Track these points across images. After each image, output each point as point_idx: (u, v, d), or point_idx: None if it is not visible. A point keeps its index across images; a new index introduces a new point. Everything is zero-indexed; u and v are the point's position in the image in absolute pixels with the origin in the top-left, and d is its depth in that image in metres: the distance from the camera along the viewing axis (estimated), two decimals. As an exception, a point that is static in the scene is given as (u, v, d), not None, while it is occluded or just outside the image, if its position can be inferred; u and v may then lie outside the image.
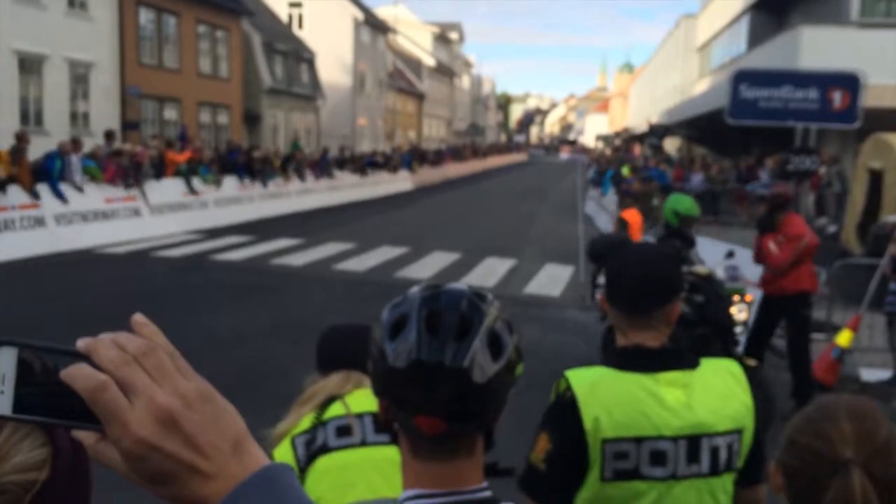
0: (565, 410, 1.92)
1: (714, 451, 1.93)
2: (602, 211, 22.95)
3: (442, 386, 1.11)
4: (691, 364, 1.99)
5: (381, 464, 2.25)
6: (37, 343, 0.69)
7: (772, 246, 6.77)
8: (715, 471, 1.95)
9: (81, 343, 0.68)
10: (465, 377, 1.11)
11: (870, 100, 12.39)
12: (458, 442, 1.16)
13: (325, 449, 2.29)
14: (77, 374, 0.66)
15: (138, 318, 0.71)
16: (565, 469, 1.90)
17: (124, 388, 0.66)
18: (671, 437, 1.90)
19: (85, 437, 0.70)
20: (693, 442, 1.91)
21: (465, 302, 1.17)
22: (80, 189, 15.96)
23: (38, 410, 0.68)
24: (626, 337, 2.03)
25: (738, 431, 1.95)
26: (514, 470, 1.28)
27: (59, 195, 15.39)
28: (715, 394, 1.96)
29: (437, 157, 45.34)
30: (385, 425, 1.22)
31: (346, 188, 29.07)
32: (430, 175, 40.74)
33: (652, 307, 1.99)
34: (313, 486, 2.27)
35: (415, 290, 1.22)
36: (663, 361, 1.97)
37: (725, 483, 1.97)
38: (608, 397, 1.91)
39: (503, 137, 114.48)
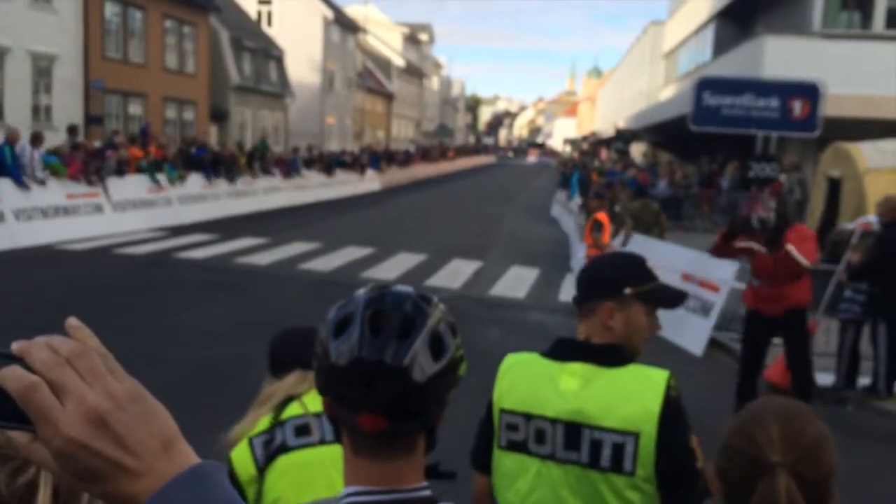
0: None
1: (595, 444, 1.95)
2: (567, 213, 23.10)
3: (382, 384, 1.13)
4: (608, 362, 2.02)
5: (341, 461, 2.26)
6: None
7: (792, 250, 6.21)
8: (595, 464, 1.96)
9: (16, 345, 0.70)
10: (404, 376, 1.13)
11: (830, 109, 12.64)
12: (399, 440, 1.17)
13: (284, 448, 2.31)
14: (9, 376, 0.68)
15: (72, 321, 0.74)
16: (486, 434, 2.15)
17: (56, 389, 0.68)
18: (551, 419, 2.02)
19: (18, 437, 0.72)
20: (571, 428, 1.98)
21: (409, 303, 1.19)
22: (41, 182, 15.67)
23: None
24: None
25: (632, 434, 1.93)
26: (455, 473, 1.29)
27: (21, 183, 15.04)
28: (616, 392, 1.97)
29: (406, 158, 45.31)
30: (330, 422, 1.24)
31: (314, 187, 28.92)
32: (398, 176, 40.70)
33: (578, 300, 2.17)
34: (273, 485, 2.29)
35: (361, 290, 1.24)
36: (575, 353, 2.08)
37: (613, 482, 1.94)
38: (515, 375, 2.13)
39: (472, 139, 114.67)
